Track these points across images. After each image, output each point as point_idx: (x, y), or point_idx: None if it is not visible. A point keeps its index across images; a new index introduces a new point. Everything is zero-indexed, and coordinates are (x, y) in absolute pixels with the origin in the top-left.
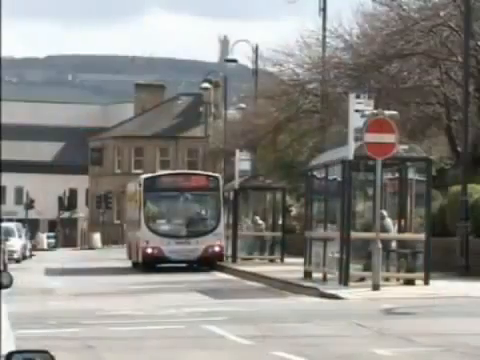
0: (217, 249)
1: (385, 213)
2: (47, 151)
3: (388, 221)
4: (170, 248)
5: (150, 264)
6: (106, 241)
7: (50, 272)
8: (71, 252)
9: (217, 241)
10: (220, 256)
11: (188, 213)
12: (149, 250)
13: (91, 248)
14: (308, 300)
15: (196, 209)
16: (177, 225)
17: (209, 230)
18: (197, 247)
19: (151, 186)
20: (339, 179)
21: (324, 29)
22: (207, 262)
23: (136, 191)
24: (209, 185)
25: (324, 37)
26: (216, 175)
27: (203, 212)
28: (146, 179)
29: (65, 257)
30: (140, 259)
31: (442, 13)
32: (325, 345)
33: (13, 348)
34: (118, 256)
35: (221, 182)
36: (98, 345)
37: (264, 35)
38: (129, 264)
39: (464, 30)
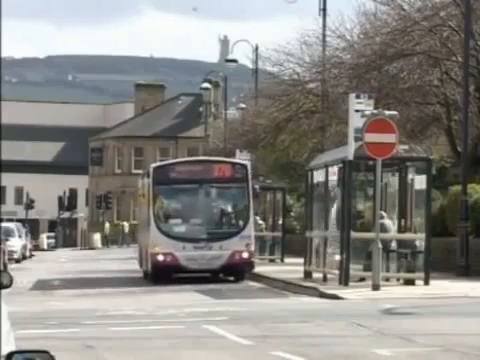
0: (246, 255)
1: (384, 214)
2: (47, 151)
3: (386, 221)
4: (186, 254)
5: (161, 274)
6: (106, 241)
7: (43, 286)
8: (71, 252)
9: (246, 245)
10: (250, 264)
11: (209, 210)
12: (160, 257)
13: (91, 248)
14: (308, 300)
15: (219, 205)
16: (195, 225)
17: (235, 231)
18: (221, 253)
19: (162, 177)
20: (339, 179)
21: (324, 29)
22: (234, 271)
23: (144, 184)
24: (235, 175)
25: (324, 36)
26: (244, 162)
27: (228, 209)
28: (156, 168)
29: (64, 258)
30: (149, 268)
31: (442, 13)
32: (325, 345)
33: (13, 348)
34: (118, 256)
35: (250, 171)
36: (98, 345)
37: (264, 35)
38: (134, 266)
39: (464, 30)
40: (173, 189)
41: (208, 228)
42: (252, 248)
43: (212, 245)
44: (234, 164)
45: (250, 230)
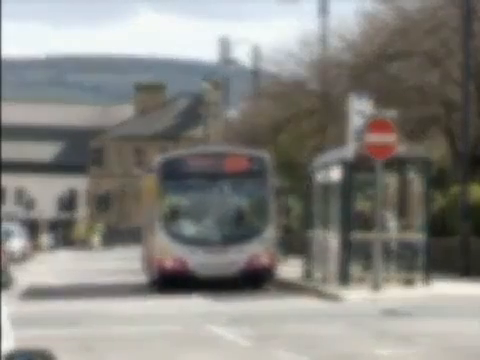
0: (265, 260)
1: (389, 216)
2: (47, 151)
3: (390, 224)
4: (198, 260)
5: (169, 283)
6: (106, 242)
7: (43, 286)
8: (70, 253)
9: (265, 249)
10: (270, 270)
11: (224, 209)
12: (168, 263)
13: (91, 249)
14: (308, 300)
15: (235, 203)
16: (208, 227)
17: (254, 233)
18: (237, 258)
19: (171, 172)
20: (339, 179)
21: (324, 29)
22: (252, 279)
23: (149, 180)
24: (253, 169)
25: (324, 37)
26: (263, 155)
27: (245, 207)
28: (164, 162)
29: (64, 259)
30: (155, 275)
31: (442, 14)
32: (325, 345)
33: (13, 348)
34: (118, 256)
35: (270, 165)
36: (98, 345)
37: (264, 35)
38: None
39: (464, 30)
40: (183, 185)
41: (223, 230)
42: (273, 252)
43: (227, 249)
44: (252, 156)
45: (271, 232)
